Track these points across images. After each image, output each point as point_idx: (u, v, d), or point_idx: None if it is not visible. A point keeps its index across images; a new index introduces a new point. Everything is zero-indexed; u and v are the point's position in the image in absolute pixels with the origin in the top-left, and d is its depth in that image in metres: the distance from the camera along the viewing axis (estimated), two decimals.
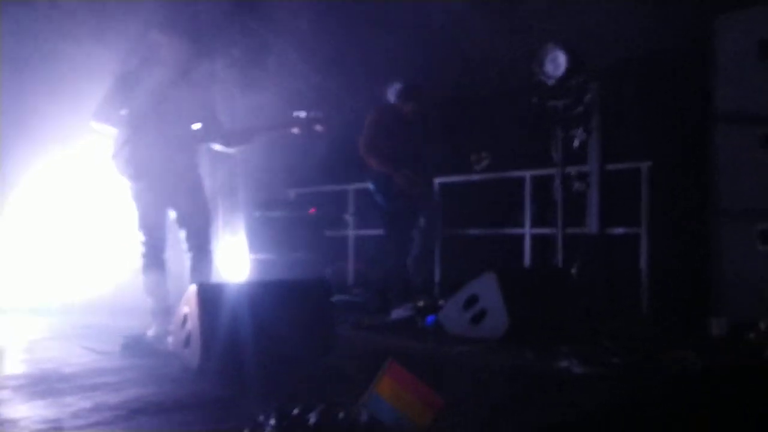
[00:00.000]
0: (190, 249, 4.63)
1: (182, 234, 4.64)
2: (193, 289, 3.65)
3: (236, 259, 7.37)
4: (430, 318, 5.03)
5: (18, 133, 6.25)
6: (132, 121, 4.42)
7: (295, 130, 4.44)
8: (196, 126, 4.56)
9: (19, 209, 6.40)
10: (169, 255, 4.72)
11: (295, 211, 7.81)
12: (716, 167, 5.48)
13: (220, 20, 7.20)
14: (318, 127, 4.42)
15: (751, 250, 5.15)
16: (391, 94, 7.04)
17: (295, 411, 2.38)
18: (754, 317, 4.58)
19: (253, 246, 7.39)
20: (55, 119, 6.08)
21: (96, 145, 5.66)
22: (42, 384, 3.30)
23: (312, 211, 7.82)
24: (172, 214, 4.63)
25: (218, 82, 4.79)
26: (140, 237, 4.58)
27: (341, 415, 2.34)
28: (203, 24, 6.49)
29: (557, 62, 5.87)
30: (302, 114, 4.43)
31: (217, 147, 4.82)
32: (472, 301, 4.52)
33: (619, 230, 5.98)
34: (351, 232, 8.15)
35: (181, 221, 4.61)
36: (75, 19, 6.15)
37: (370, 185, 6.12)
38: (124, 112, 4.47)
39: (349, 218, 8.19)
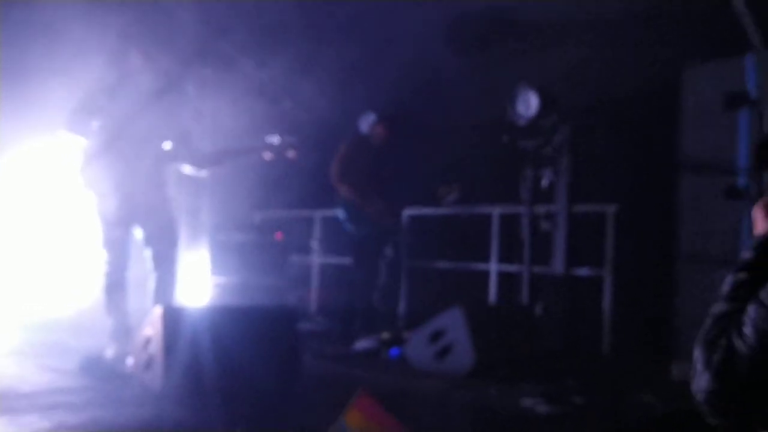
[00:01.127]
0: (155, 269, 4.55)
1: (147, 253, 4.56)
2: (157, 311, 3.60)
3: (199, 282, 7.28)
4: (394, 350, 5.01)
5: None
6: (102, 135, 4.36)
7: (267, 155, 4.42)
8: (167, 146, 4.52)
9: None
10: (132, 275, 4.63)
11: (261, 236, 7.77)
12: (681, 213, 5.59)
13: (195, 42, 7.20)
14: (290, 153, 4.40)
15: (714, 296, 5.24)
16: (364, 124, 7.08)
17: None
18: None
19: (217, 269, 7.31)
20: (19, 129, 5.99)
21: (62, 159, 5.59)
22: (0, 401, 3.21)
23: (278, 235, 7.78)
24: (138, 233, 4.55)
25: (190, 102, 4.72)
26: (103, 255, 4.49)
27: None
28: (180, 46, 6.49)
29: (529, 102, 5.98)
30: (275, 139, 4.41)
31: (187, 169, 4.79)
32: (437, 335, 4.52)
33: (584, 271, 6.05)
34: (316, 259, 8.12)
35: (147, 241, 4.54)
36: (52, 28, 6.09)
37: (339, 213, 6.12)
38: (95, 124, 4.40)
39: (314, 245, 8.16)
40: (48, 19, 5.81)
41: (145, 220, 4.49)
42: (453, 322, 4.47)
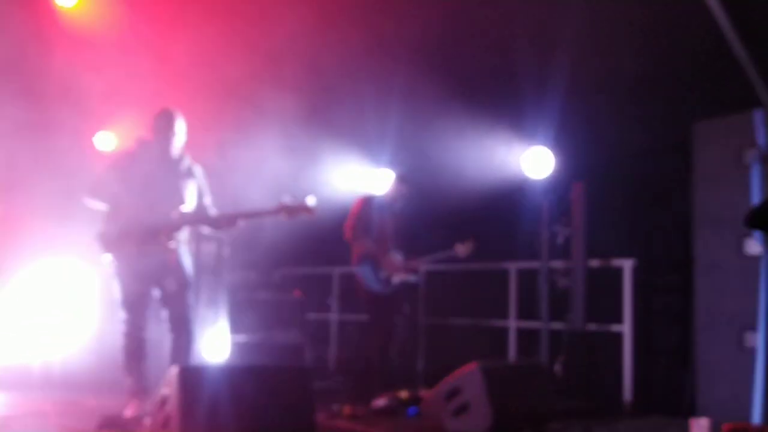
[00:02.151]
0: (172, 330, 4.61)
1: (164, 314, 4.63)
2: (174, 371, 3.64)
3: (217, 340, 7.31)
4: (412, 409, 4.99)
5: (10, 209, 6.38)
6: (122, 200, 4.53)
7: (282, 216, 4.50)
8: (184, 208, 4.63)
9: (3, 280, 6.41)
10: (150, 334, 4.69)
11: (279, 293, 7.81)
12: (698, 268, 5.58)
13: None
14: (305, 214, 4.48)
15: (733, 352, 5.19)
16: (379, 181, 7.18)
17: None
18: (736, 419, 4.59)
19: (235, 327, 7.35)
20: (46, 191, 6.21)
21: (84, 221, 5.80)
22: None
23: (296, 293, 7.82)
24: (155, 294, 4.63)
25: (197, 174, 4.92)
26: (122, 315, 4.57)
27: None
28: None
29: (544, 160, 6.06)
30: (289, 200, 4.49)
31: (205, 230, 4.93)
32: (454, 393, 4.50)
33: (603, 327, 6.02)
34: (334, 316, 8.13)
35: (165, 301, 4.62)
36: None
37: (356, 269, 6.16)
38: (116, 189, 4.56)
39: (332, 302, 8.18)
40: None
41: (162, 281, 4.58)
42: (470, 381, 4.45)
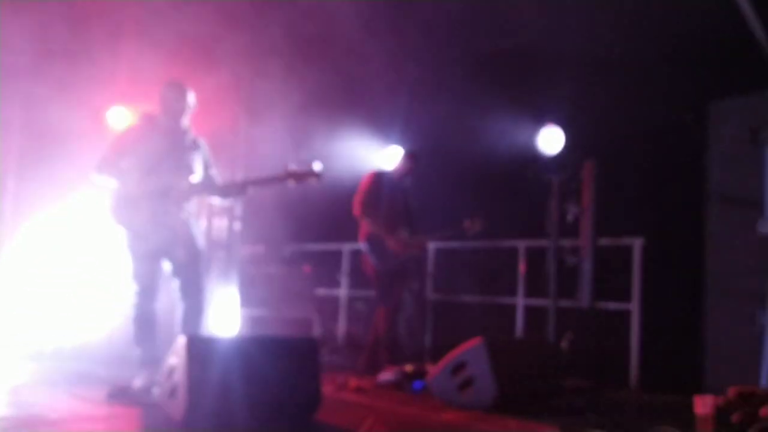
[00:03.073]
0: (183, 299, 4.66)
1: (175, 284, 4.67)
2: (182, 340, 3.67)
3: (228, 314, 7.38)
4: (417, 383, 5.02)
5: (23, 181, 6.47)
6: (130, 174, 4.58)
7: (290, 183, 4.50)
8: (193, 179, 4.66)
9: (17, 254, 6.50)
10: (160, 305, 4.74)
11: (289, 268, 7.86)
12: (709, 247, 5.56)
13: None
14: (312, 181, 4.48)
15: (742, 330, 5.18)
16: (386, 158, 7.17)
17: None
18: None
19: (246, 301, 7.40)
20: (59, 168, 6.29)
21: (94, 196, 5.91)
22: (27, 427, 3.30)
23: (306, 268, 7.86)
24: (166, 265, 4.67)
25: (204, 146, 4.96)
26: (133, 286, 4.61)
27: None
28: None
29: (555, 138, 6.02)
30: (297, 167, 4.49)
31: (215, 200, 4.97)
32: (460, 367, 4.52)
33: (611, 305, 6.01)
34: (343, 292, 8.17)
35: (176, 272, 4.65)
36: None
37: (363, 246, 6.17)
38: (124, 164, 4.62)
39: (342, 278, 8.22)
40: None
41: (174, 251, 4.62)
42: (475, 355, 4.47)
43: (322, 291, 8.08)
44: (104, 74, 6.75)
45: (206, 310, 4.84)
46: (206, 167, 4.85)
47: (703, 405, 3.90)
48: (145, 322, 4.61)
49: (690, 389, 5.09)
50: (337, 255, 8.24)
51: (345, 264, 8.18)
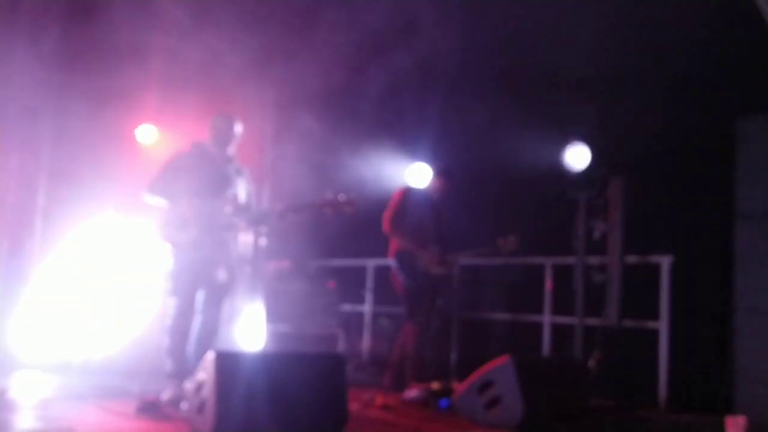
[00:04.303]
0: (202, 313, 4.83)
1: (200, 297, 4.79)
2: (211, 356, 3.70)
3: (253, 329, 7.40)
4: (444, 401, 5.00)
5: (56, 197, 6.60)
6: (180, 197, 4.82)
7: (326, 210, 4.63)
8: (238, 206, 4.89)
9: (47, 269, 6.61)
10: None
11: (314, 284, 7.87)
12: (738, 265, 5.49)
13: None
14: (348, 209, 4.59)
15: None
16: (413, 174, 7.19)
17: None
18: None
19: (271, 316, 7.43)
20: (94, 184, 6.43)
21: (124, 212, 6.05)
22: None
23: (331, 284, 7.87)
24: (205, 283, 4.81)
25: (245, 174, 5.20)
26: (173, 301, 4.79)
27: None
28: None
29: (581, 155, 6.01)
30: (333, 196, 4.61)
31: (254, 226, 5.14)
32: (487, 385, 4.50)
33: (639, 323, 5.96)
34: (368, 308, 8.17)
35: (209, 288, 4.78)
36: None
37: (392, 262, 6.17)
38: (175, 189, 4.86)
39: (367, 294, 8.21)
40: None
41: (214, 271, 4.83)
42: (503, 373, 4.45)
43: (346, 307, 8.08)
44: (133, 92, 6.87)
45: (219, 326, 5.02)
46: (248, 196, 5.09)
47: (734, 425, 3.86)
48: (180, 336, 4.76)
49: (720, 409, 5.03)
50: (361, 271, 8.25)
51: (369, 280, 8.18)
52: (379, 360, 7.29)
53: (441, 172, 6.32)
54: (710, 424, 4.58)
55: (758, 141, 5.41)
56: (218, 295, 4.87)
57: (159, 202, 4.90)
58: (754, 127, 5.45)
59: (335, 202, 4.58)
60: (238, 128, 5.04)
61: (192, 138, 5.20)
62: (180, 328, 4.74)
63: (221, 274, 4.84)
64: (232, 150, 5.05)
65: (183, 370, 4.62)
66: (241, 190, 5.03)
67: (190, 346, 4.75)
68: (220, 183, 4.92)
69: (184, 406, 4.10)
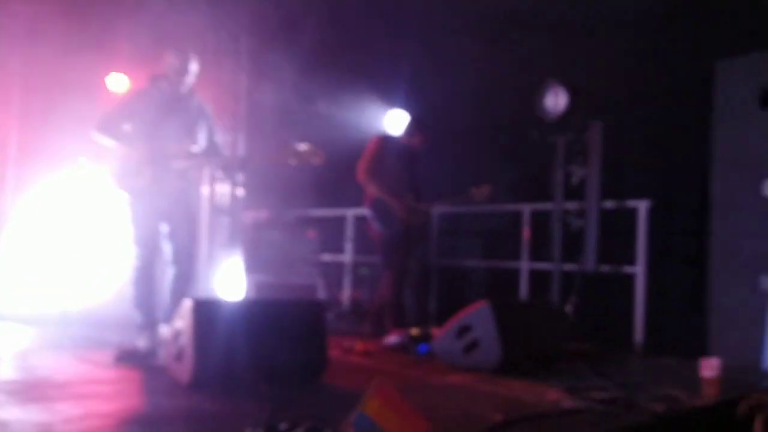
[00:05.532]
0: (174, 263, 4.71)
1: (167, 248, 4.70)
2: (188, 304, 3.68)
3: (232, 279, 7.40)
4: (423, 346, 5.04)
5: (28, 147, 6.46)
6: (132, 138, 4.60)
7: (292, 161, 4.50)
8: (195, 149, 4.67)
9: (21, 219, 6.52)
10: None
11: (294, 234, 7.86)
12: (715, 210, 5.53)
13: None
14: (314, 160, 4.47)
15: (748, 293, 5.18)
16: (390, 122, 7.12)
17: (282, 426, 2.39)
18: (747, 362, 4.61)
19: (250, 266, 7.42)
20: (63, 134, 6.29)
21: (97, 161, 5.90)
22: (35, 390, 3.33)
23: (310, 234, 7.86)
24: (164, 228, 4.70)
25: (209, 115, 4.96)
26: (134, 250, 4.64)
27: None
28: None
29: (558, 98, 5.96)
30: (300, 146, 4.48)
31: (216, 172, 5.00)
32: (465, 330, 4.53)
33: (616, 268, 6.01)
34: (348, 257, 8.18)
35: (170, 237, 4.68)
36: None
37: (367, 211, 6.15)
38: (127, 127, 4.63)
39: (347, 243, 8.22)
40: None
41: (171, 217, 4.67)
42: (481, 318, 4.48)
43: (326, 256, 8.09)
44: (105, 41, 6.70)
45: (194, 277, 4.92)
46: (210, 134, 4.86)
47: (708, 367, 3.91)
48: (145, 285, 4.64)
49: (695, 352, 5.11)
50: (341, 220, 8.23)
51: (349, 229, 8.17)
52: (360, 309, 7.33)
53: (420, 126, 6.23)
54: (685, 367, 4.65)
55: (737, 84, 5.39)
56: (184, 243, 4.70)
57: (108, 142, 4.63)
58: (733, 69, 5.43)
59: (299, 152, 4.45)
60: (194, 64, 4.72)
61: (149, 74, 4.88)
62: (143, 279, 4.60)
63: (178, 220, 4.65)
64: (189, 87, 4.75)
65: (152, 320, 4.56)
66: (202, 129, 4.79)
67: (165, 297, 4.68)
68: (177, 123, 4.66)
69: (160, 354, 4.09)
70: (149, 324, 4.56)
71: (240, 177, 7.57)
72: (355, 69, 7.45)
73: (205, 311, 3.67)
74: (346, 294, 8.06)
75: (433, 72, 6.97)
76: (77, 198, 6.63)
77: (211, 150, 4.82)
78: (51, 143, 6.51)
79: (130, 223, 4.63)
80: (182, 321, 3.70)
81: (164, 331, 4.42)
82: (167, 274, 4.71)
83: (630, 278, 5.90)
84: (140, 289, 4.62)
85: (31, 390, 3.33)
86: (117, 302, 6.06)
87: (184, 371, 3.58)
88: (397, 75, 7.22)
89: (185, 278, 4.72)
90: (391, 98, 7.37)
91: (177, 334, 3.74)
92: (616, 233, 6.03)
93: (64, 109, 6.46)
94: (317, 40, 7.20)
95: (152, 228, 4.63)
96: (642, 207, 5.91)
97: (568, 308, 5.81)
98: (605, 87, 6.04)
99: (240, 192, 7.77)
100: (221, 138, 4.95)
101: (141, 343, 4.49)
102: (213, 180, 7.45)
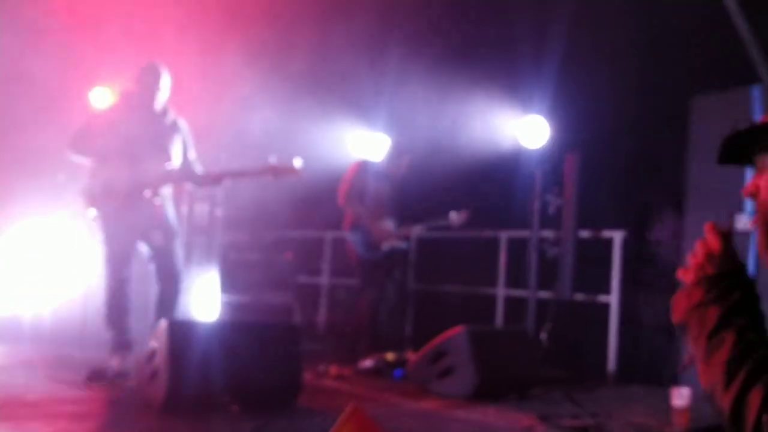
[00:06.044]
0: (159, 282, 4.62)
1: (152, 267, 4.64)
2: (163, 324, 3.66)
3: (208, 299, 7.34)
4: (398, 371, 5.04)
5: (7, 158, 6.40)
6: (106, 155, 4.52)
7: (268, 177, 4.48)
8: (169, 163, 4.62)
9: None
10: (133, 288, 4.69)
11: (271, 255, 7.83)
12: (687, 242, 5.60)
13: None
14: (292, 177, 4.46)
15: None
16: (375, 146, 7.16)
17: None
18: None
19: (226, 287, 7.37)
20: (36, 152, 6.25)
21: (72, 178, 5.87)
22: (5, 408, 3.29)
23: (288, 255, 7.84)
24: (143, 249, 4.64)
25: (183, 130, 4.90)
26: (107, 269, 4.55)
27: None
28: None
29: (538, 131, 6.05)
30: (276, 161, 4.46)
31: (189, 186, 4.95)
32: (440, 355, 4.54)
33: (590, 297, 6.06)
34: (324, 280, 8.17)
35: (153, 255, 4.62)
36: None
37: (348, 235, 6.16)
38: (100, 143, 4.54)
39: (324, 266, 8.21)
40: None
41: (150, 235, 4.57)
42: (457, 344, 4.50)
43: (303, 278, 8.07)
44: (87, 55, 6.68)
45: (181, 294, 4.81)
46: (185, 150, 4.77)
47: (679, 396, 3.96)
48: (118, 305, 4.52)
49: (666, 381, 5.16)
50: (319, 243, 8.23)
51: (327, 252, 8.17)
52: (335, 332, 7.31)
53: (398, 146, 6.28)
54: (656, 395, 4.69)
55: (712, 120, 5.49)
56: (166, 262, 4.60)
57: (82, 160, 4.57)
58: (708, 105, 5.53)
59: (279, 168, 4.42)
60: (166, 79, 4.65)
61: (121, 90, 4.84)
62: (116, 300, 4.49)
63: (156, 238, 4.55)
64: (161, 102, 4.68)
65: (126, 340, 4.48)
66: (177, 144, 4.70)
67: (144, 316, 4.62)
68: (150, 139, 4.55)
69: (132, 375, 4.05)
70: (123, 344, 4.49)
71: (219, 195, 7.54)
72: (335, 92, 7.49)
73: (180, 332, 3.66)
74: (321, 317, 8.04)
75: (414, 100, 7.02)
76: (52, 213, 6.55)
77: (185, 166, 4.74)
78: (30, 157, 6.44)
79: (102, 241, 4.56)
80: (156, 341, 3.68)
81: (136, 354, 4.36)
82: (154, 294, 4.64)
83: (604, 307, 5.95)
84: (112, 310, 4.51)
85: (1, 408, 3.28)
86: (87, 320, 5.99)
87: (157, 392, 3.56)
88: (376, 99, 7.27)
89: (171, 297, 4.62)
90: (370, 122, 7.41)
91: (151, 355, 3.72)
92: (592, 262, 6.09)
93: (44, 123, 6.42)
94: (301, 63, 7.24)
95: (125, 246, 4.53)
96: (617, 237, 5.98)
97: (543, 335, 5.85)
98: (584, 120, 6.13)
99: (218, 212, 7.73)
100: (196, 153, 4.87)
101: (114, 362, 4.41)
102: (191, 200, 7.41)
